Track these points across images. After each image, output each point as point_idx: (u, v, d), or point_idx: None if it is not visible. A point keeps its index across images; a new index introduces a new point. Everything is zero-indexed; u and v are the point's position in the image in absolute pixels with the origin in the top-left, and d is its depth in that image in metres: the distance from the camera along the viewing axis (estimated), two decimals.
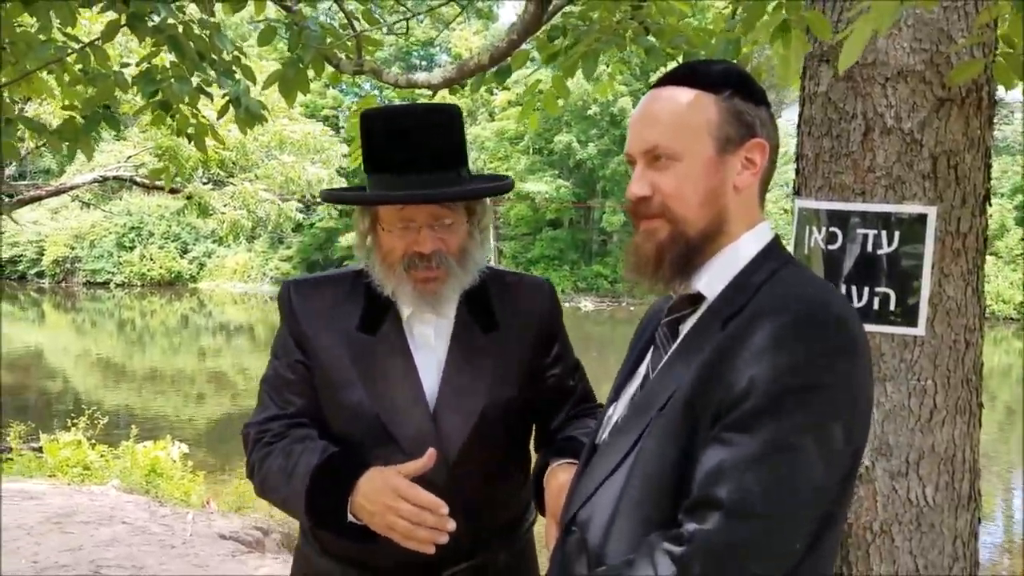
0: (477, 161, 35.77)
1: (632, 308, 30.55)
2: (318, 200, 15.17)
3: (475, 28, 36.01)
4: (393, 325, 1.69)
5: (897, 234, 1.75)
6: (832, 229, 1.81)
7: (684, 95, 1.22)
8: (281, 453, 1.63)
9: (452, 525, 1.46)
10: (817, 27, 1.67)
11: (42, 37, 3.10)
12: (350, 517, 1.54)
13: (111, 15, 3.00)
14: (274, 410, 1.71)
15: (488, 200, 1.76)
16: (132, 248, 40.02)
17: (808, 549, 1.09)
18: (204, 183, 12.93)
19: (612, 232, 38.33)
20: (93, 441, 7.63)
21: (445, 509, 1.46)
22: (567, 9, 3.38)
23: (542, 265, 36.84)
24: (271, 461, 1.63)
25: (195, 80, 3.25)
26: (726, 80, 1.23)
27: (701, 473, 1.08)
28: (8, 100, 3.34)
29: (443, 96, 4.25)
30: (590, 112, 36.29)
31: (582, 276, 37.31)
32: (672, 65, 2.89)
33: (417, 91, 4.10)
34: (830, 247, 1.81)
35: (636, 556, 1.10)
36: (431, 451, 1.52)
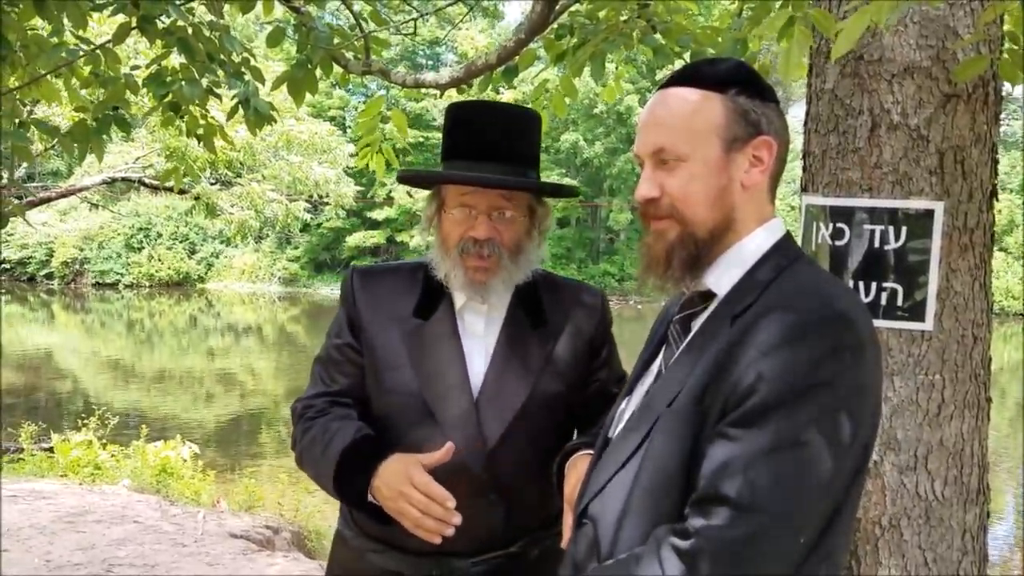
0: None
1: (640, 307, 30.47)
2: (325, 200, 15.21)
3: (480, 26, 35.95)
4: (446, 313, 1.76)
5: (904, 229, 1.76)
6: (839, 225, 1.82)
7: (690, 95, 1.23)
8: (320, 429, 1.71)
9: (458, 519, 1.51)
10: (821, 24, 1.68)
11: (54, 40, 3.13)
12: (370, 498, 1.60)
13: (120, 18, 3.02)
14: (321, 387, 1.81)
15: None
16: (140, 249, 40.08)
17: (816, 544, 1.09)
18: (211, 184, 12.94)
19: (619, 230, 38.32)
20: (104, 441, 7.68)
21: (452, 503, 1.51)
22: (574, 8, 3.38)
23: (549, 264, 36.38)
24: (310, 436, 1.72)
25: (205, 82, 3.27)
26: (732, 78, 1.24)
27: (707, 469, 1.08)
28: (19, 103, 3.37)
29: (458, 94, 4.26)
30: (596, 110, 36.25)
31: (589, 275, 37.26)
32: (680, 64, 2.90)
33: (424, 91, 4.11)
34: (837, 243, 1.82)
35: (643, 551, 1.11)
36: (449, 445, 1.57)
